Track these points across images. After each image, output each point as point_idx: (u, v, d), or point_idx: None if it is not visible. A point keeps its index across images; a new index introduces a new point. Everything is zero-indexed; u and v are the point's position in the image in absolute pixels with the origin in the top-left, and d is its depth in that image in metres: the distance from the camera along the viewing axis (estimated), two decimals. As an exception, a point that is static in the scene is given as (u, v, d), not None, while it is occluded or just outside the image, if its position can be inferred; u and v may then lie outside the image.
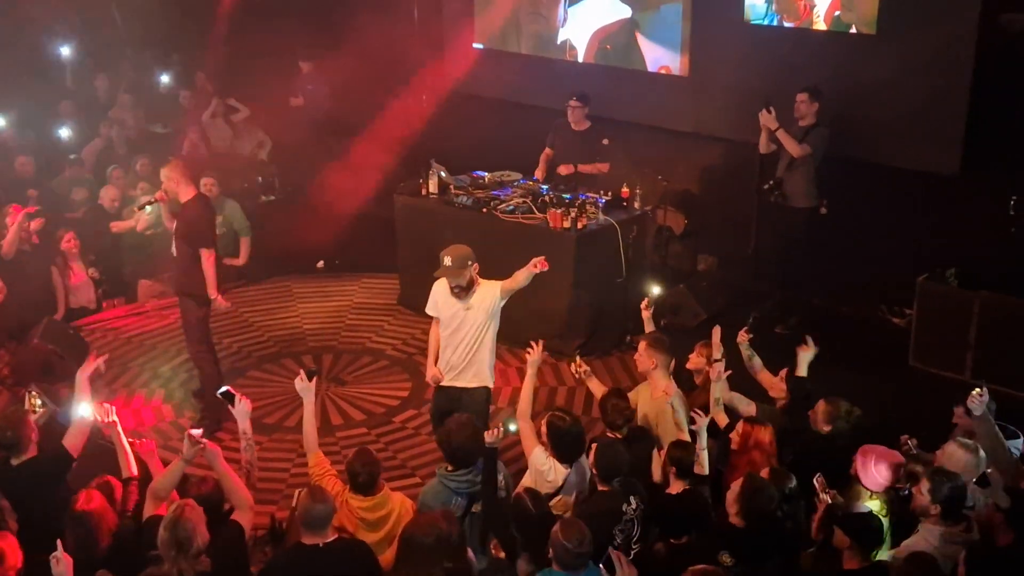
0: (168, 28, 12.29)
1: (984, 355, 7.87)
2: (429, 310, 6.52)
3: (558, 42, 11.47)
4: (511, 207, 8.64)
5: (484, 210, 8.70)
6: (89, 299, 9.35)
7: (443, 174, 9.17)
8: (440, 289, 6.41)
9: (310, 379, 5.53)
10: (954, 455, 5.14)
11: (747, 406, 5.94)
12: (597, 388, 6.45)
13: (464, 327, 6.29)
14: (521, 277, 6.24)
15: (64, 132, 11.48)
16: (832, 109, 8.54)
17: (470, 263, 6.21)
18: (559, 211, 8.36)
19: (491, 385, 6.51)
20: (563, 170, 9.18)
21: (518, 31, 11.86)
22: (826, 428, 5.65)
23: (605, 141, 9.22)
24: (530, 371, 5.93)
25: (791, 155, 8.44)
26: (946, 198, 8.56)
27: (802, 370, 6.11)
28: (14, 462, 5.34)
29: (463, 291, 6.24)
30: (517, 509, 4.90)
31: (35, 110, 11.65)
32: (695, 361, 6.30)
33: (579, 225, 8.30)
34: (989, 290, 7.92)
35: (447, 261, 6.21)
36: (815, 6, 9.11)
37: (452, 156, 9.91)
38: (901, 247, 8.81)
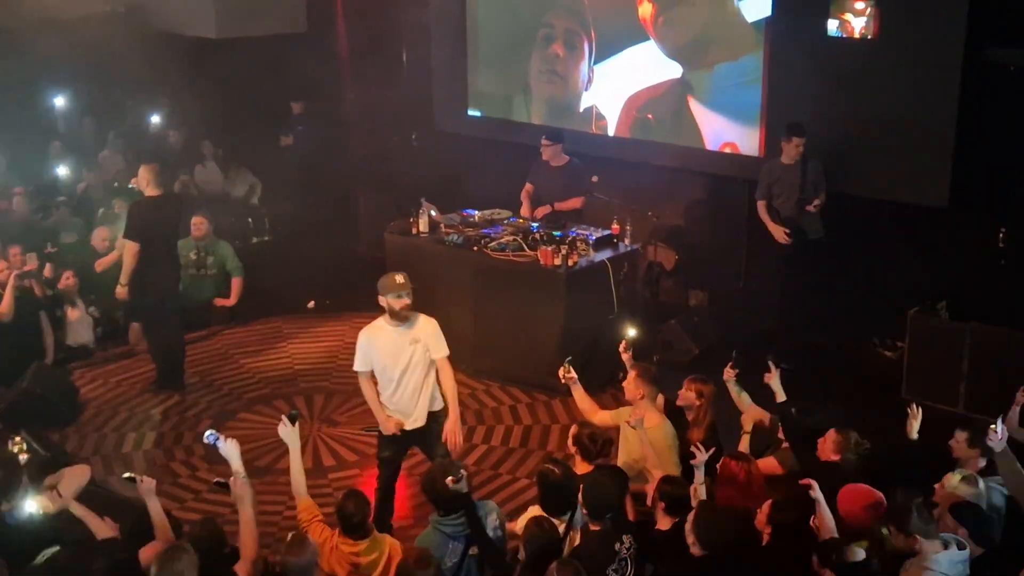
0: (158, 72, 12.34)
1: (977, 387, 7.86)
2: (359, 366, 6.29)
3: (581, 109, 9.71)
4: (501, 245, 8.65)
5: (475, 248, 8.70)
6: (88, 338, 9.32)
7: (433, 213, 9.19)
8: (374, 337, 6.25)
9: (293, 423, 5.48)
10: (957, 490, 5.12)
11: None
12: (582, 397, 6.46)
13: (415, 359, 6.19)
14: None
15: (62, 171, 11.52)
16: (822, 141, 8.53)
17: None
18: (549, 248, 8.37)
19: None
20: (540, 212, 9.19)
21: (527, 96, 10.04)
22: (834, 457, 5.62)
23: (594, 179, 9.26)
24: None
25: (798, 194, 8.46)
26: (935, 230, 8.59)
27: (780, 395, 6.10)
28: (5, 507, 5.25)
29: (405, 318, 6.14)
30: (531, 535, 4.87)
31: (26, 152, 11.71)
32: (685, 397, 6.27)
33: (570, 262, 8.30)
34: (980, 322, 7.93)
35: (401, 279, 6.12)
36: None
37: (442, 195, 9.92)
38: (891, 280, 8.83)
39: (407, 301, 6.12)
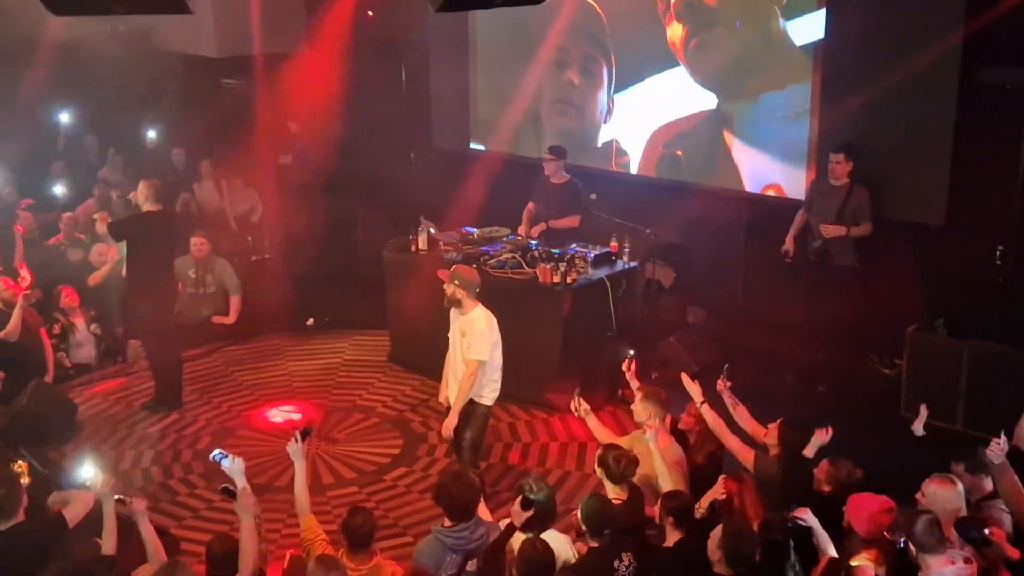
0: (159, 90, 12.38)
1: (975, 404, 7.87)
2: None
3: (599, 144, 8.81)
4: (500, 263, 8.66)
5: (473, 266, 8.71)
6: (89, 355, 9.32)
7: (432, 230, 9.22)
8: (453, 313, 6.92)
9: (304, 438, 5.47)
10: (936, 494, 5.13)
11: (745, 452, 5.90)
12: (597, 427, 6.45)
13: (457, 348, 6.81)
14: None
15: (59, 189, 11.54)
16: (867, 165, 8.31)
17: (456, 282, 6.72)
18: (548, 266, 8.39)
19: (483, 403, 6.84)
20: (535, 230, 9.22)
21: (537, 128, 9.12)
22: (826, 488, 5.58)
23: (593, 196, 9.28)
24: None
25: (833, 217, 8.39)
26: (933, 249, 8.61)
27: (810, 451, 5.98)
28: (1, 527, 5.17)
29: (453, 304, 6.77)
30: (524, 558, 4.84)
31: (29, 169, 11.74)
32: (686, 420, 6.26)
33: (568, 280, 8.32)
34: (978, 339, 7.94)
35: (455, 268, 6.92)
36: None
37: (441, 212, 9.95)
38: (889, 297, 8.84)
39: (448, 291, 6.75)
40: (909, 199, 8.60)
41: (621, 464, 5.54)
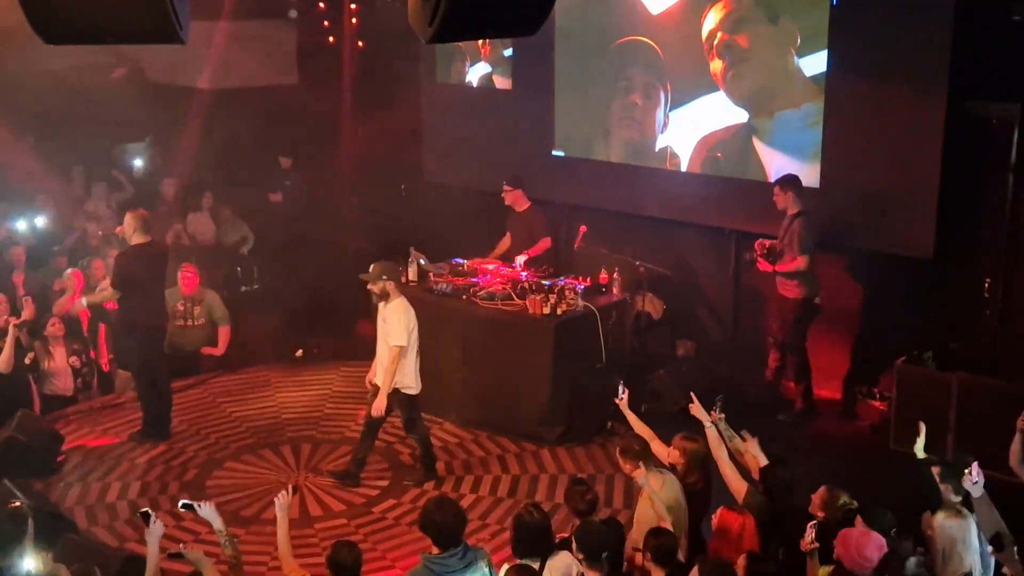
0: (149, 122, 12.39)
1: (964, 437, 7.86)
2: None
3: (656, 149, 10.51)
4: (490, 294, 8.67)
5: (464, 297, 8.73)
6: (66, 386, 9.17)
7: (423, 262, 9.23)
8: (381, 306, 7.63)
9: (294, 493, 5.47)
10: (943, 526, 5.13)
11: (739, 484, 5.88)
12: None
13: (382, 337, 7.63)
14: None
15: (40, 220, 11.50)
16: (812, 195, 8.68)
17: (384, 277, 7.52)
18: (538, 297, 8.39)
19: (405, 391, 7.69)
20: (517, 260, 9.29)
21: (607, 138, 10.89)
22: (820, 514, 5.58)
23: (583, 228, 9.33)
24: None
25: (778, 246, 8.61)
26: (921, 282, 8.65)
27: (762, 459, 6.02)
28: (2, 562, 4.98)
29: (378, 298, 7.54)
30: None
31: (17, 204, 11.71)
32: (671, 455, 6.22)
33: (558, 311, 8.33)
34: (967, 372, 7.96)
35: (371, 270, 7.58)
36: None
37: (431, 244, 9.97)
38: (878, 330, 8.87)
39: (377, 289, 7.56)
40: (898, 232, 8.64)
41: (586, 499, 5.59)
